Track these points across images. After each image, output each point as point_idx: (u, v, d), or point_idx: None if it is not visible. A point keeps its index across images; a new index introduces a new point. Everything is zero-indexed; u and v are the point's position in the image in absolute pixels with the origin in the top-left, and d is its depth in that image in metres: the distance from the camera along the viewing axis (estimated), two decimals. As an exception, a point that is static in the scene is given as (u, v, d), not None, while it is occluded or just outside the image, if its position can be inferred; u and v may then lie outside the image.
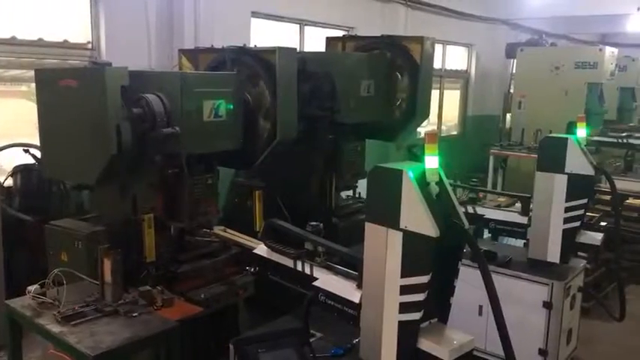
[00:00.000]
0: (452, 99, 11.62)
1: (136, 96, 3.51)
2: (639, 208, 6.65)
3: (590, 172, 3.98)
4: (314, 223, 3.13)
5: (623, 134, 8.57)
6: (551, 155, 4.14)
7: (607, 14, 10.69)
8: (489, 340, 4.14)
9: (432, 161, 2.54)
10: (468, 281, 4.25)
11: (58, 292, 3.16)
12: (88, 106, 3.48)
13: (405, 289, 2.51)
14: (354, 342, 2.89)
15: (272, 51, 4.02)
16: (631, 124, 10.42)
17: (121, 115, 3.43)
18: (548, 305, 4.15)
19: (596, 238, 4.24)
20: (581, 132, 4.13)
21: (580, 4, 10.23)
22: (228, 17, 6.13)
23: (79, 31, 5.42)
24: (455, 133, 11.86)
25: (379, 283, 2.58)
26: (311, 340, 3.04)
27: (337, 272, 2.94)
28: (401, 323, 2.54)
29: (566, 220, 4.09)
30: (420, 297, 2.50)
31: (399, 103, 5.49)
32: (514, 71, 10.80)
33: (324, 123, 4.91)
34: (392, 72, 5.34)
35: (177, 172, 3.72)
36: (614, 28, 13.37)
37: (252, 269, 3.83)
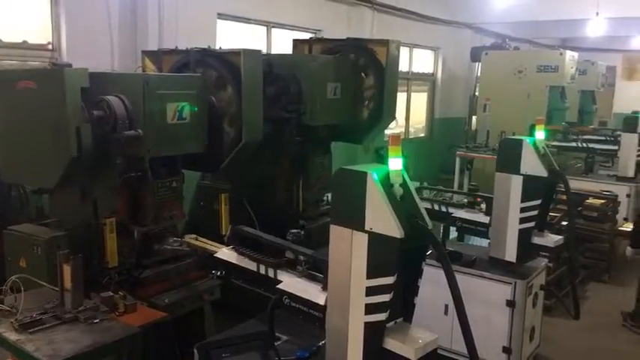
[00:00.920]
0: (419, 101, 11.76)
1: (96, 98, 3.45)
2: (598, 208, 6.81)
3: (543, 173, 4.07)
4: (295, 230, 3.11)
5: (584, 136, 8.83)
6: (509, 156, 4.23)
7: (567, 19, 10.98)
8: (455, 339, 4.20)
9: (396, 163, 2.56)
10: (434, 281, 4.31)
11: (16, 299, 3.07)
12: (47, 108, 3.40)
13: (370, 290, 2.52)
14: (320, 344, 2.89)
15: (237, 53, 4.00)
16: (592, 126, 10.73)
17: (81, 117, 3.36)
18: (511, 304, 4.23)
19: (552, 239, 4.31)
20: (540, 134, 4.23)
21: (541, 9, 10.47)
22: (193, 18, 6.07)
23: (39, 32, 5.28)
24: (422, 135, 12.00)
25: (345, 284, 2.58)
26: (276, 343, 3.03)
27: (302, 275, 2.94)
28: (367, 324, 2.55)
29: (522, 221, 4.17)
30: (386, 297, 2.51)
31: (365, 105, 5.52)
32: (479, 74, 11.00)
33: (290, 125, 4.90)
34: (358, 74, 5.37)
35: (141, 175, 3.66)
36: (574, 33, 13.74)
37: (218, 273, 3.81)
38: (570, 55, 9.70)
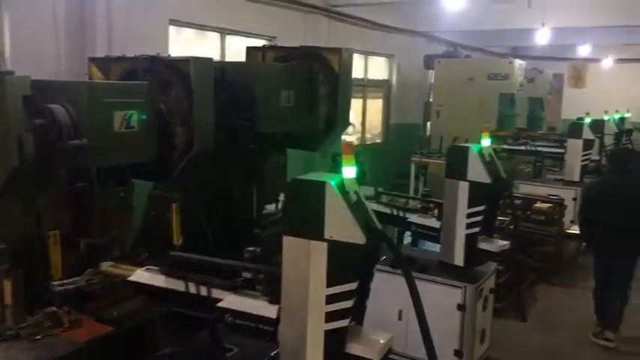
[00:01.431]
0: (376, 108, 11.90)
1: (40, 106, 3.34)
2: (546, 211, 7.04)
3: (488, 180, 4.18)
4: (251, 248, 3.05)
5: (534, 142, 9.13)
6: (456, 163, 4.35)
7: (516, 28, 11.33)
8: (409, 343, 4.26)
9: (350, 171, 2.59)
10: (388, 287, 4.38)
11: (-48, 317, 2.94)
12: (-14, 116, 3.26)
13: (331, 298, 2.54)
14: (272, 354, 2.86)
15: (186, 60, 3.95)
16: (540, 132, 11.10)
17: (23, 127, 3.24)
18: (461, 308, 4.32)
19: (497, 244, 4.41)
20: (485, 141, 4.35)
21: (491, 19, 10.77)
22: (144, 24, 5.96)
23: (-20, 38, 5.10)
24: (379, 141, 12.14)
25: (302, 295, 2.58)
26: (227, 354, 3.00)
27: (241, 291, 2.85)
28: (327, 332, 2.56)
29: (468, 226, 4.29)
30: (348, 304, 2.55)
31: (319, 112, 5.54)
32: (433, 80, 11.23)
33: (244, 133, 4.86)
34: (312, 82, 5.38)
35: (87, 185, 3.56)
36: (523, 42, 14.20)
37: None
38: (519, 64, 10.03)
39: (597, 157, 8.83)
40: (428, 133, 11.20)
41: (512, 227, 5.76)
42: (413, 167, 9.94)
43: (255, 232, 5.07)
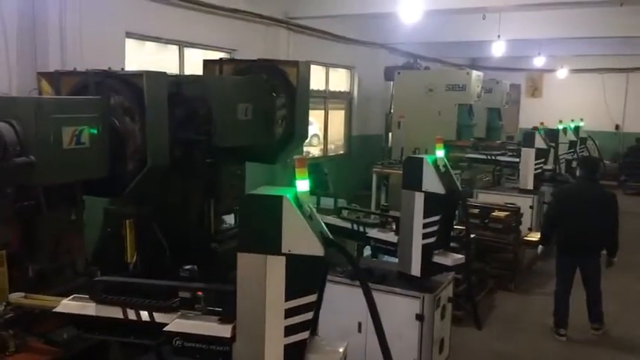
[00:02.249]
0: (338, 119, 11.98)
1: (-16, 123, 3.24)
2: (503, 219, 7.18)
3: (442, 190, 4.24)
4: (188, 267, 3.01)
5: (494, 152, 9.32)
6: (411, 174, 4.40)
7: (473, 40, 11.61)
8: (369, 355, 4.28)
9: (303, 185, 2.61)
10: (348, 299, 4.38)
11: None
12: None
13: (290, 312, 2.54)
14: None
15: (139, 75, 3.89)
16: (498, 141, 11.34)
17: (-33, 145, 3.14)
18: (420, 317, 4.35)
19: (452, 258, 4.40)
20: (439, 152, 4.41)
21: (449, 31, 11.02)
22: (99, 38, 5.87)
23: None
24: (342, 152, 12.20)
25: (258, 311, 2.56)
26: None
27: (184, 314, 2.76)
28: (287, 346, 2.55)
29: (424, 236, 4.32)
30: (308, 316, 2.55)
31: (278, 125, 5.53)
32: (393, 93, 11.37)
33: (200, 147, 4.81)
34: (270, 95, 5.38)
35: (34, 204, 3.46)
36: (481, 53, 14.55)
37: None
38: (476, 75, 10.26)
39: (552, 167, 9.06)
40: (390, 145, 11.32)
41: (466, 238, 5.82)
42: (375, 178, 10.02)
43: (213, 246, 5.02)
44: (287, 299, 2.53)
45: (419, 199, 4.29)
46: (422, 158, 4.35)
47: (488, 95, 11.61)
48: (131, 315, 2.80)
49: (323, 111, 11.26)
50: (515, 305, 6.82)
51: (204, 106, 4.88)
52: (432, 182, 4.24)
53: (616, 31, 10.25)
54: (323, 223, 2.76)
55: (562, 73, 16.37)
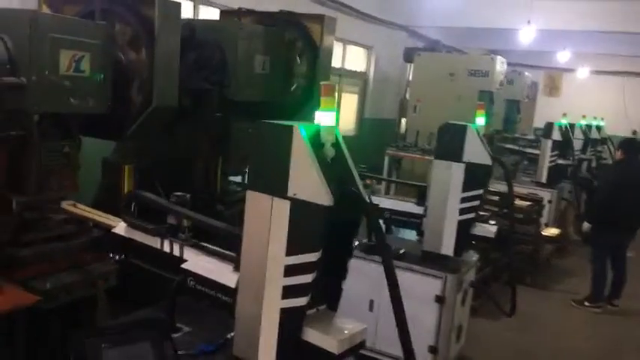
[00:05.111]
0: (349, 103, 11.56)
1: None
2: (524, 209, 6.83)
3: (488, 161, 3.85)
4: (179, 193, 2.66)
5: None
6: (450, 143, 3.98)
7: (500, 28, 11.17)
8: (380, 337, 3.86)
9: (328, 118, 2.16)
10: (360, 273, 3.96)
11: None
12: None
13: (290, 270, 2.12)
14: (229, 337, 2.45)
15: (150, 2, 3.47)
16: (516, 135, 10.95)
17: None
18: (440, 299, 3.96)
19: (490, 230, 4.12)
20: (480, 120, 4.01)
21: (475, 16, 10.59)
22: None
23: None
24: (352, 134, 11.79)
25: (260, 263, 2.17)
26: (177, 334, 2.56)
27: (211, 253, 2.49)
28: (284, 310, 2.15)
29: (462, 212, 3.93)
30: (307, 279, 2.11)
31: (295, 86, 5.13)
32: (411, 77, 10.93)
33: (211, 98, 4.42)
34: (290, 50, 4.97)
35: (24, 134, 3.06)
36: (501, 45, 14.07)
37: (117, 256, 3.28)
38: (500, 61, 9.81)
39: (569, 161, 8.64)
40: (402, 130, 10.90)
41: (491, 222, 5.43)
42: (387, 160, 9.62)
43: (219, 208, 4.63)
44: (288, 253, 2.11)
45: (457, 170, 3.87)
46: (465, 125, 3.93)
47: (508, 86, 11.16)
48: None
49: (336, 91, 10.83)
50: (529, 300, 6.44)
51: (219, 55, 4.50)
52: (476, 152, 3.84)
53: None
54: (355, 172, 2.32)
55: (582, 72, 15.92)
